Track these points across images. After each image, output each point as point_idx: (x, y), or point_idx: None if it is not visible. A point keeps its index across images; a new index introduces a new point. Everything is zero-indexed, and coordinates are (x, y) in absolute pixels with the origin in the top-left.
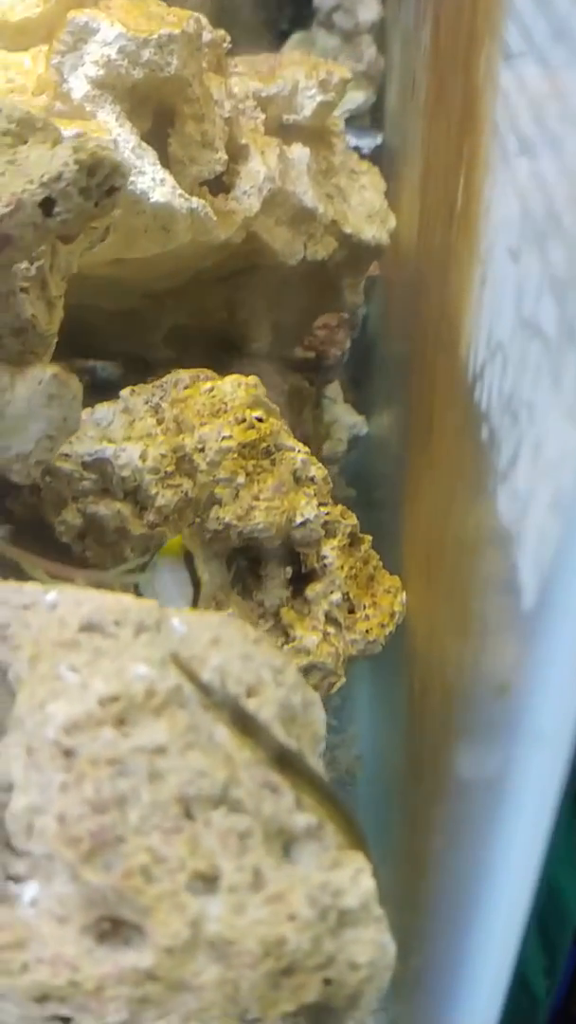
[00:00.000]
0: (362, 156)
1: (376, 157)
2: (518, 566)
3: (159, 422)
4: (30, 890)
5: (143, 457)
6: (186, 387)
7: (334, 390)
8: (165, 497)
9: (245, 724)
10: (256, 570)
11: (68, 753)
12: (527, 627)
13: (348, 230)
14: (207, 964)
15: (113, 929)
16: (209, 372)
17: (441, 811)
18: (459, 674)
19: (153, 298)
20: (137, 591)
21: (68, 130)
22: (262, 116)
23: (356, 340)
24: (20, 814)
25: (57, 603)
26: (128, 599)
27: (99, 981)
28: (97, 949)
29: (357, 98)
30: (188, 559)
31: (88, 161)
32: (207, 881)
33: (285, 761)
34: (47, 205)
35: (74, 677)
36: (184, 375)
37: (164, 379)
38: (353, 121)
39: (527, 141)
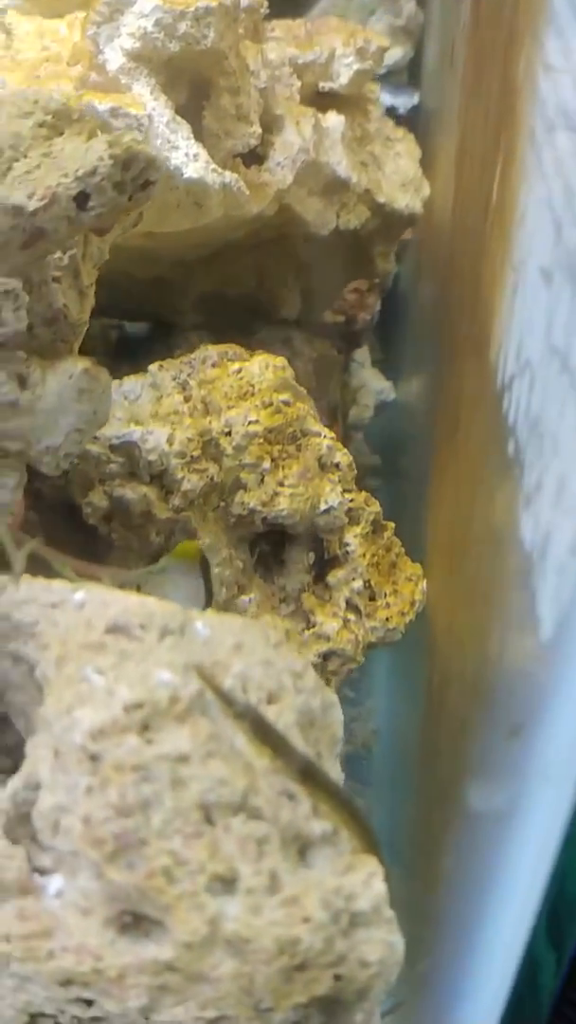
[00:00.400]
0: (398, 116)
1: (412, 118)
2: (538, 592)
3: (186, 399)
4: (55, 883)
5: (170, 441)
6: (214, 365)
7: (362, 354)
8: (191, 481)
9: (265, 733)
10: (279, 554)
11: (94, 758)
12: (541, 667)
13: (381, 199)
14: (224, 958)
15: (134, 922)
16: (237, 349)
17: (454, 809)
18: (477, 676)
19: (182, 266)
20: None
21: (103, 104)
22: (298, 83)
23: (386, 302)
24: (47, 812)
25: (84, 603)
26: (153, 602)
27: (121, 970)
28: (119, 940)
29: (395, 54)
30: (204, 565)
31: (123, 155)
32: (226, 883)
33: (303, 769)
34: (81, 199)
35: (100, 680)
36: (212, 352)
37: (193, 356)
38: (390, 77)
39: (562, 162)
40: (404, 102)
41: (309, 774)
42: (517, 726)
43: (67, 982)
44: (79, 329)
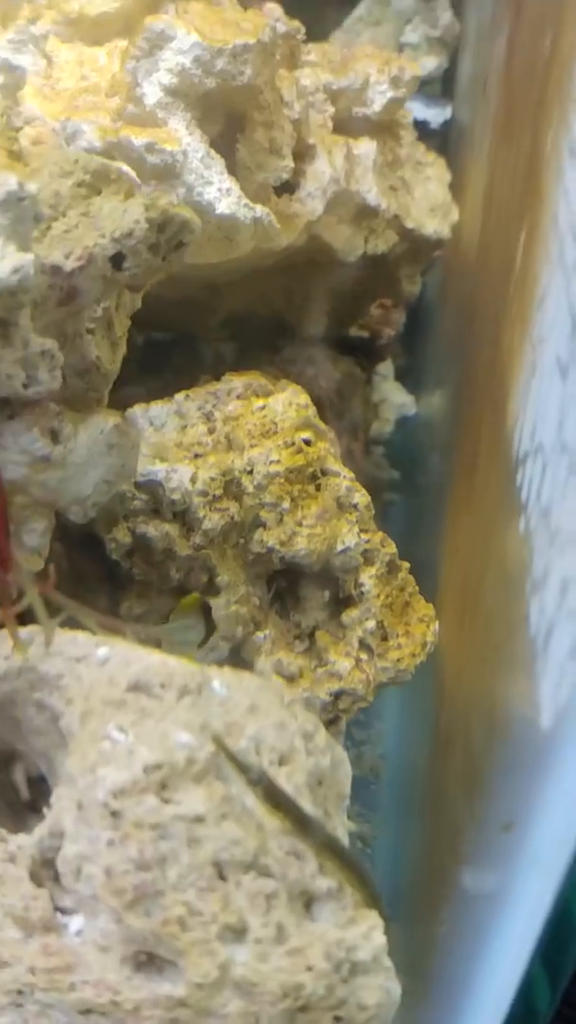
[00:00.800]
0: (429, 130)
1: (444, 132)
2: (540, 681)
3: (210, 431)
4: (76, 922)
5: (193, 480)
6: (239, 396)
7: (385, 367)
8: (212, 520)
9: (276, 798)
10: (295, 591)
11: (115, 814)
12: (537, 761)
13: (410, 224)
14: (232, 998)
15: (149, 960)
16: (262, 380)
17: (457, 850)
18: (483, 725)
19: (211, 287)
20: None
21: (139, 139)
22: (331, 110)
23: (411, 315)
24: (70, 859)
25: (108, 659)
26: (173, 662)
27: (137, 1003)
28: (135, 977)
29: (429, 64)
30: (204, 608)
31: (158, 218)
32: (236, 933)
33: (310, 830)
34: (117, 260)
35: (121, 738)
36: (237, 383)
37: (218, 387)
38: (423, 87)
39: None
40: (436, 115)
41: (316, 835)
42: (509, 823)
43: (87, 1012)
44: (111, 378)
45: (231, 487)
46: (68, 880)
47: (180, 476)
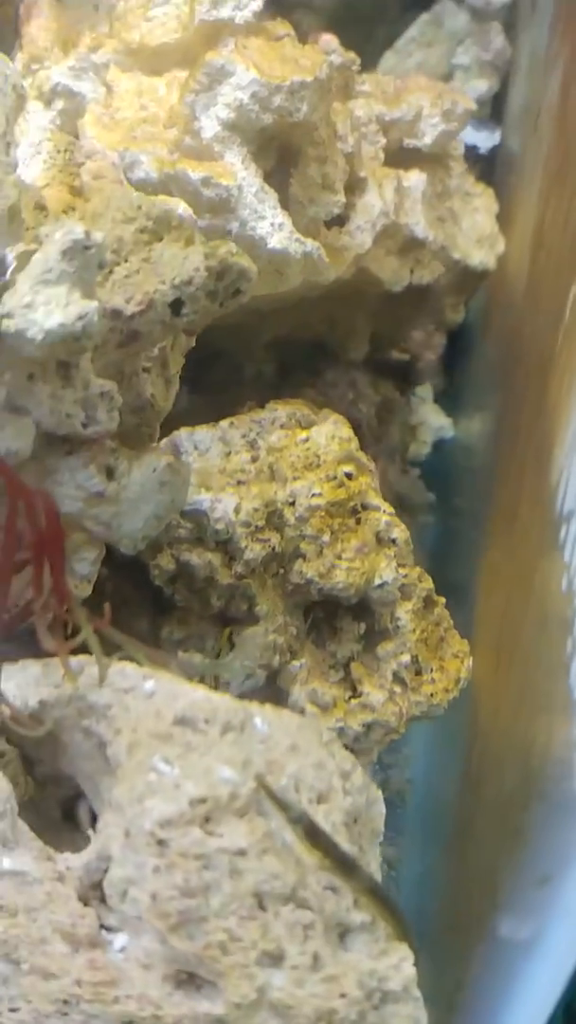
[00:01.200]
0: (478, 155)
1: (492, 158)
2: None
3: (253, 459)
4: (120, 940)
5: (237, 511)
6: (282, 426)
7: (424, 389)
8: (254, 551)
9: (315, 835)
10: (332, 621)
11: (161, 843)
12: (573, 817)
13: (456, 255)
14: (269, 1019)
15: (189, 979)
16: (304, 410)
17: (492, 896)
18: (518, 768)
19: (257, 314)
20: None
21: (195, 172)
22: (383, 141)
23: (453, 338)
24: (116, 883)
25: (154, 692)
26: (217, 697)
27: (177, 1019)
28: (176, 993)
29: (479, 87)
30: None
31: (218, 267)
32: (274, 959)
33: (346, 866)
34: (176, 306)
35: (168, 771)
36: (281, 412)
37: (262, 415)
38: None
39: None
40: (485, 139)
41: (351, 871)
42: (547, 876)
43: (129, 1023)
44: (163, 414)
45: (273, 518)
46: (114, 901)
47: (225, 506)
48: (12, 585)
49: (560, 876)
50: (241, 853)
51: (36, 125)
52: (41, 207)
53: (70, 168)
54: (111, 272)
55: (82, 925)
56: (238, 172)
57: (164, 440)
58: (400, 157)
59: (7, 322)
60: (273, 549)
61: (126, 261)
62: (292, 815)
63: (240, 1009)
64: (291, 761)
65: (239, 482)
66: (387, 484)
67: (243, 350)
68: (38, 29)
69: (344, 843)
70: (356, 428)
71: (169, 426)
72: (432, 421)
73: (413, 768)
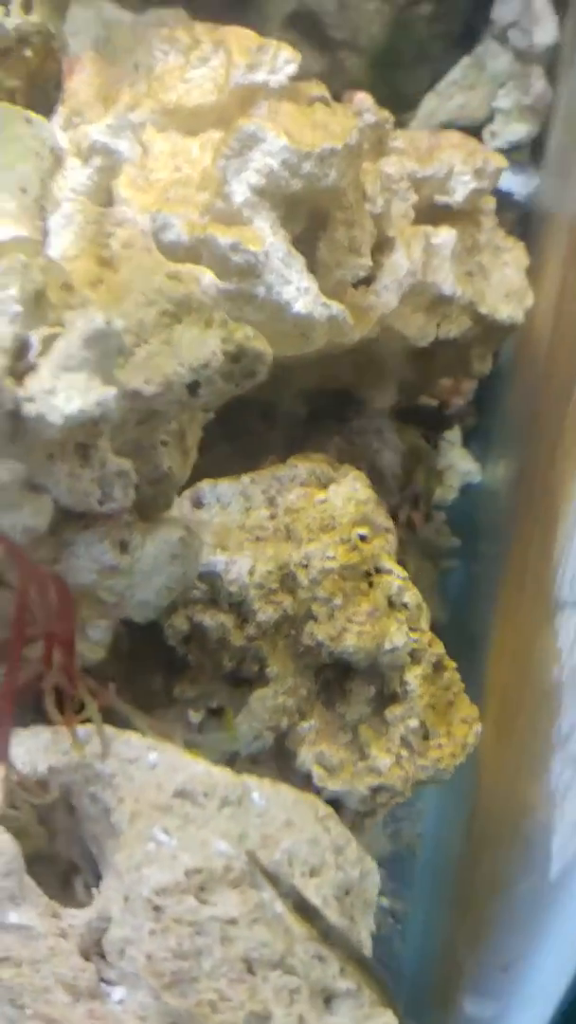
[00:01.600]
0: (513, 201)
1: (527, 204)
2: (553, 831)
3: (272, 517)
4: (118, 993)
5: (251, 572)
6: (302, 483)
7: (453, 433)
8: (266, 613)
9: (304, 909)
10: (342, 683)
11: (157, 909)
12: (540, 908)
13: (484, 310)
14: None
15: None
16: (324, 468)
17: (461, 977)
18: (510, 844)
19: (284, 367)
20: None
21: (224, 237)
22: (414, 197)
23: (482, 385)
24: (115, 941)
25: (157, 764)
26: (217, 772)
27: None
28: None
29: (519, 131)
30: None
31: (234, 351)
32: (261, 1019)
33: (333, 937)
34: (193, 387)
35: (166, 840)
36: (302, 469)
37: (283, 472)
38: (512, 154)
39: None
40: (522, 184)
41: (338, 942)
42: (508, 963)
43: None
44: (179, 484)
45: (287, 581)
46: (113, 957)
47: (239, 568)
48: (23, 656)
49: (519, 965)
50: (232, 922)
51: (72, 183)
52: (68, 287)
53: (99, 239)
54: (132, 354)
55: (83, 978)
56: (266, 238)
57: (187, 491)
58: (431, 213)
59: (29, 406)
60: (285, 611)
61: (147, 343)
62: (282, 889)
63: None
64: (286, 836)
65: (257, 538)
66: (410, 530)
67: (272, 398)
68: (80, 84)
69: (335, 915)
70: (381, 476)
71: (196, 468)
72: (459, 465)
73: (425, 822)
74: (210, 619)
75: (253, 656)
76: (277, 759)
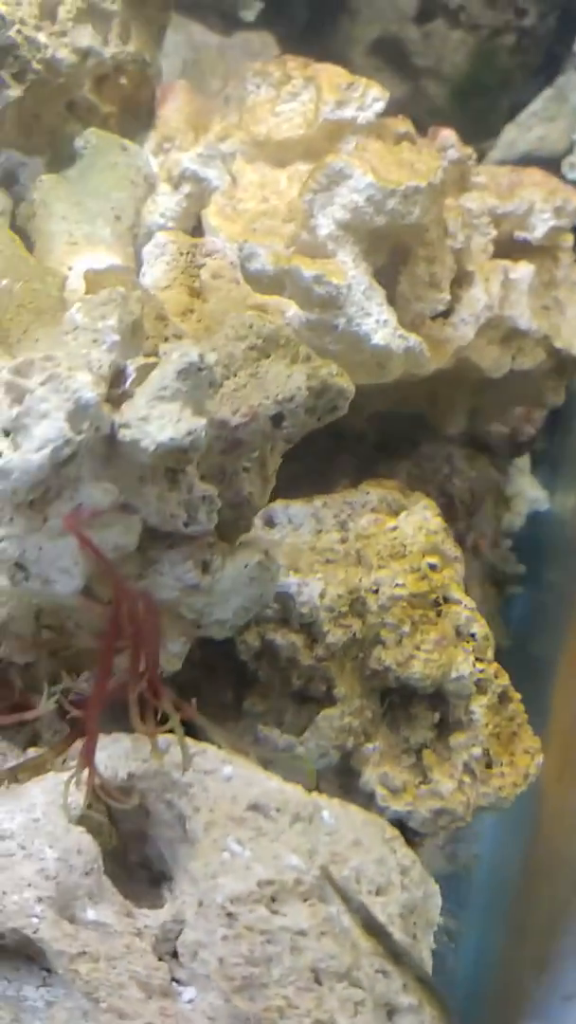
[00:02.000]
0: None
1: None
2: None
3: (343, 541)
4: (188, 993)
5: (322, 595)
6: (373, 509)
7: (522, 461)
8: (335, 635)
9: (371, 925)
10: (407, 708)
11: (231, 915)
12: None
13: (559, 344)
14: None
15: None
16: (395, 495)
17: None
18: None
19: (358, 392)
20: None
21: (308, 270)
22: (494, 233)
23: (553, 413)
24: (188, 944)
25: (232, 777)
26: (290, 789)
27: None
28: None
29: None
30: None
31: (318, 387)
32: None
33: (398, 954)
34: (277, 419)
35: (240, 851)
36: (373, 496)
37: (355, 497)
38: None
39: None
40: None
41: (403, 959)
42: (572, 993)
43: None
44: (260, 509)
45: (356, 605)
46: (185, 959)
47: (311, 591)
48: (112, 666)
49: None
50: (302, 933)
51: (163, 208)
52: (162, 317)
53: (191, 270)
54: (221, 386)
55: (156, 976)
56: (348, 271)
57: (261, 511)
58: (509, 248)
59: (124, 431)
60: (354, 635)
61: (235, 376)
62: (352, 905)
63: None
64: (354, 855)
65: (327, 560)
66: (477, 556)
67: (345, 421)
68: (172, 112)
69: (399, 932)
70: (449, 503)
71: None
72: (528, 492)
73: (481, 844)
74: (281, 638)
75: (321, 676)
76: (340, 776)
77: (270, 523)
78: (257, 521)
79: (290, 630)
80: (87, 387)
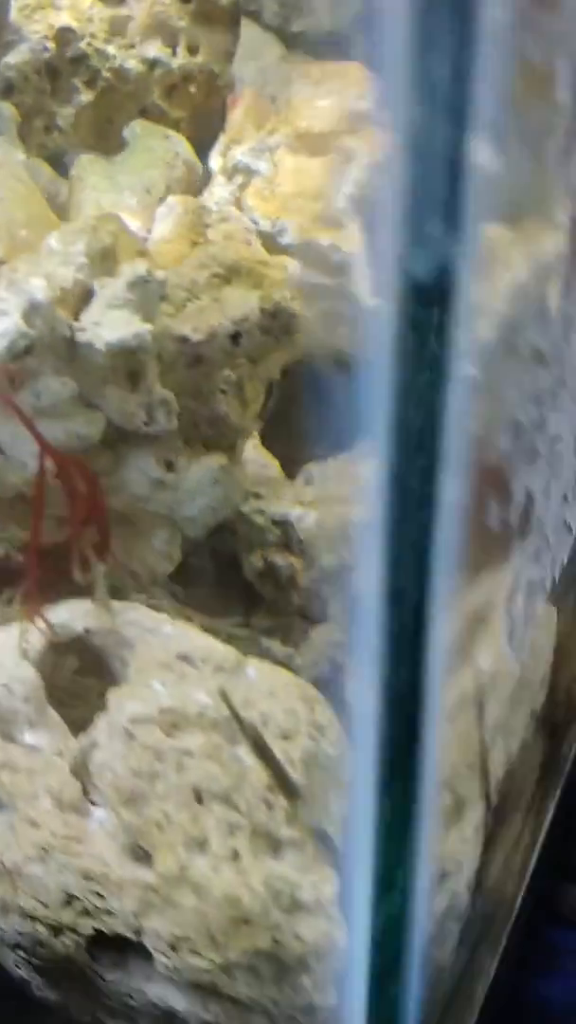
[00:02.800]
0: None
1: None
2: None
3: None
4: (99, 813)
5: (318, 523)
6: None
7: None
8: (329, 560)
9: (262, 751)
10: None
11: (130, 735)
12: None
13: None
14: (188, 895)
15: (142, 853)
16: None
17: None
18: None
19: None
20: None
21: (324, 239)
22: None
23: None
24: (98, 764)
25: (172, 635)
26: (222, 646)
27: (120, 879)
28: (126, 863)
29: None
30: None
31: (271, 309)
32: (199, 844)
33: (290, 790)
34: (235, 337)
35: (160, 690)
36: None
37: None
38: None
39: None
40: None
41: (293, 794)
42: None
43: (88, 877)
44: (242, 431)
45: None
46: (96, 780)
47: (310, 519)
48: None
49: None
50: (189, 753)
51: (216, 197)
52: (143, 253)
53: (196, 228)
54: (184, 307)
55: (67, 792)
56: (357, 240)
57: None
58: None
59: (80, 334)
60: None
61: (198, 299)
62: (245, 727)
63: (167, 881)
64: (266, 702)
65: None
66: None
67: None
68: (238, 116)
69: (296, 775)
70: None
71: None
72: None
73: None
74: (282, 560)
75: (317, 596)
76: (332, 689)
77: (309, 481)
78: (300, 479)
79: (290, 553)
80: (40, 290)
